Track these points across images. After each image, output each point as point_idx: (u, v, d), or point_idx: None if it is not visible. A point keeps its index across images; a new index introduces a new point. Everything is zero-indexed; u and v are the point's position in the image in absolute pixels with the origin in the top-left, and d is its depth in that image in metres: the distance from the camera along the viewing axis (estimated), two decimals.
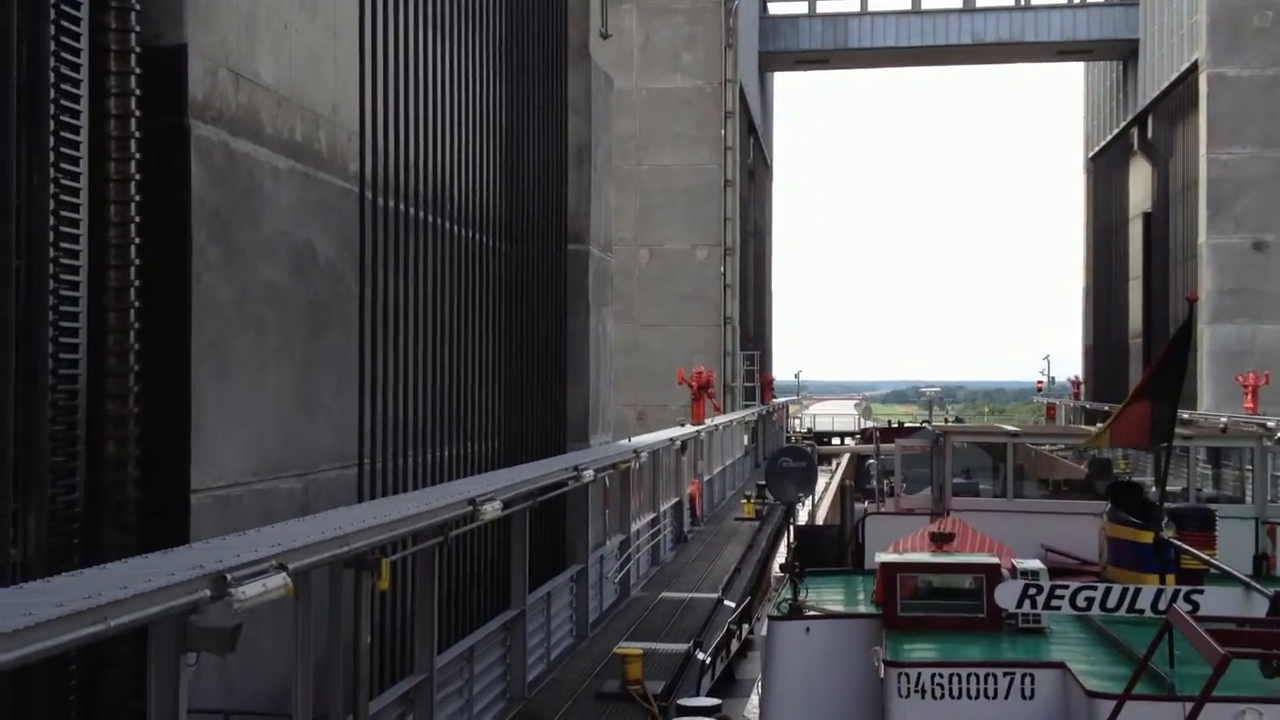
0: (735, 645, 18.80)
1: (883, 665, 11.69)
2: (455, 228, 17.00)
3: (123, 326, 9.50)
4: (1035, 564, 13.43)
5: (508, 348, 19.36)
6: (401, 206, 15.01)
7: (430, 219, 16.01)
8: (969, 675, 11.17)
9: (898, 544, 14.47)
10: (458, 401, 16.99)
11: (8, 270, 8.45)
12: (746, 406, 51.71)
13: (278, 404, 12.06)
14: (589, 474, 16.98)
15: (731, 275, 51.25)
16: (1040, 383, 78.39)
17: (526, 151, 20.55)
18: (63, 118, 9.14)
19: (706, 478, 34.67)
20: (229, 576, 7.20)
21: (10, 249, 8.48)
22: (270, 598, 7.55)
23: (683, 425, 32.67)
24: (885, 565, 13.31)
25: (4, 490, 8.35)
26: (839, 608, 14.81)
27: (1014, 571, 13.06)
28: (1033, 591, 11.73)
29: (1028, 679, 11.11)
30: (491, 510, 12.16)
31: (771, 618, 14.44)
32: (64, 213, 9.10)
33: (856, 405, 69.11)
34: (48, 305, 8.84)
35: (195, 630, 7.20)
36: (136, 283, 9.70)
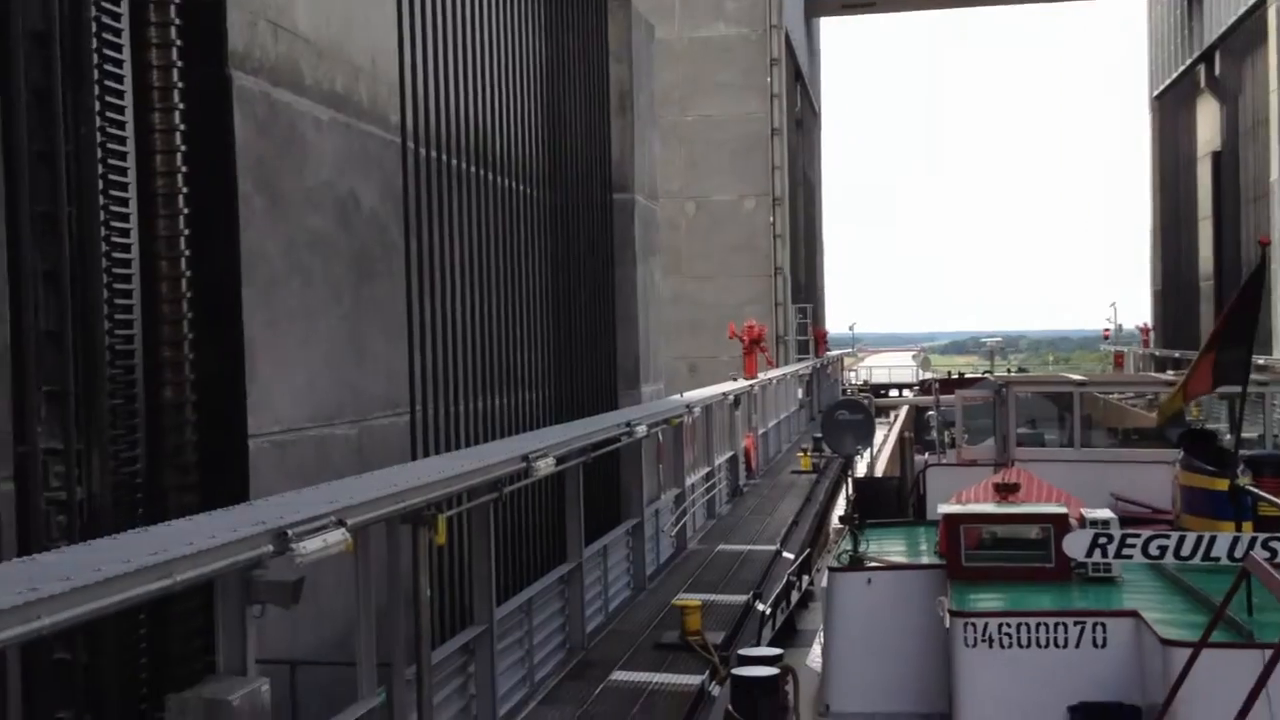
0: (795, 597, 18.77)
1: (948, 615, 11.62)
2: (498, 178, 16.95)
3: (174, 274, 9.58)
4: (1105, 513, 13.25)
5: (555, 298, 19.34)
6: (444, 157, 14.97)
7: (473, 170, 15.96)
8: (1038, 625, 11.07)
9: (960, 495, 14.35)
10: (507, 351, 17.01)
11: (59, 217, 8.53)
12: (800, 360, 51.47)
13: (329, 352, 12.18)
14: (641, 429, 16.96)
15: (781, 225, 50.74)
16: (1107, 330, 77.16)
17: (568, 101, 20.41)
18: (106, 67, 9.17)
19: (761, 431, 34.57)
20: (290, 532, 7.26)
21: (61, 196, 8.55)
22: (330, 553, 7.60)
23: (735, 379, 32.57)
24: (948, 516, 13.21)
25: (67, 431, 8.47)
26: (900, 559, 14.75)
27: (1083, 521, 12.91)
28: (1103, 541, 11.58)
29: (1099, 628, 10.97)
30: (545, 466, 12.17)
31: (832, 569, 14.38)
32: (112, 161, 9.16)
33: (914, 357, 68.59)
34: (100, 252, 8.92)
35: (259, 584, 7.28)
36: (186, 231, 9.75)
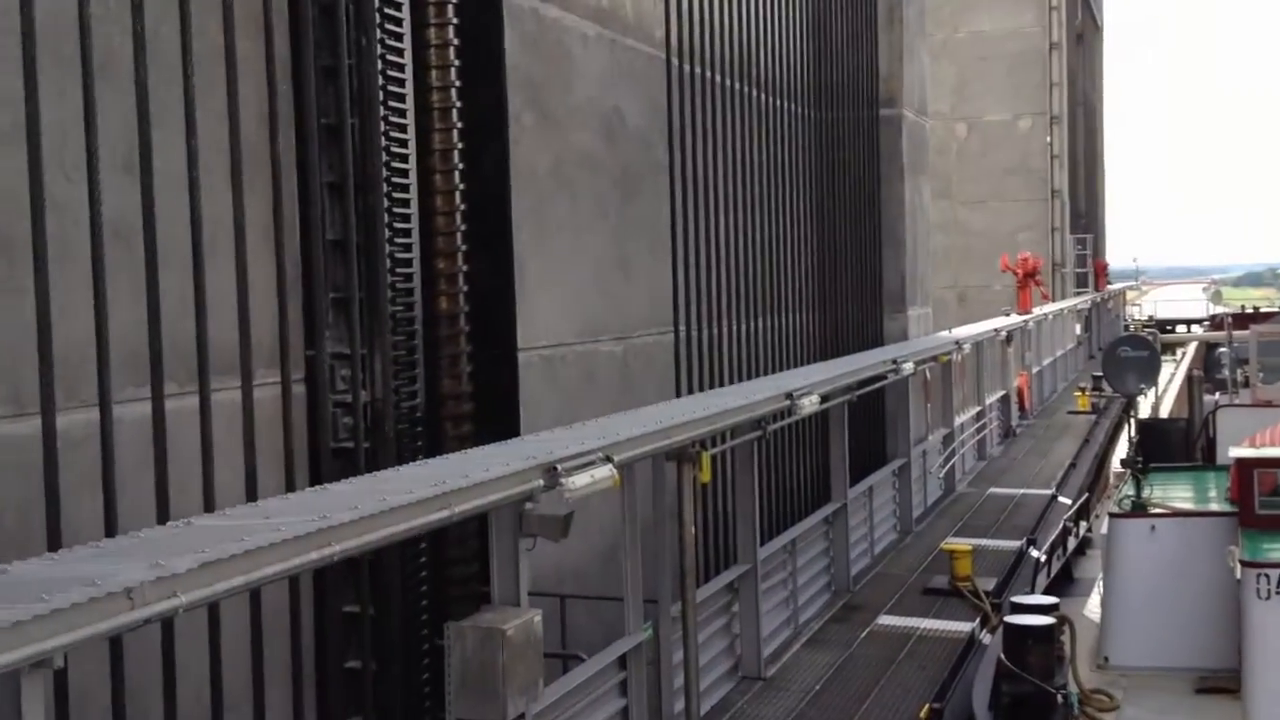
0: (1072, 543, 18.09)
1: (1239, 566, 10.96)
2: (763, 95, 16.68)
3: (449, 188, 9.77)
4: None
5: (820, 218, 18.96)
6: (708, 73, 14.77)
7: (737, 86, 15.71)
8: None
9: (1255, 438, 13.46)
10: (770, 273, 16.79)
11: (344, 127, 8.83)
12: (1078, 294, 49.22)
13: (594, 268, 12.33)
14: (909, 367, 16.56)
15: (1059, 146, 47.91)
16: None
17: (834, 13, 19.83)
18: None
19: (1035, 369, 33.32)
20: (559, 467, 7.42)
21: (345, 109, 8.84)
22: (598, 488, 7.74)
23: (1008, 314, 31.45)
24: (1241, 460, 12.39)
25: (352, 336, 8.86)
26: (1187, 505, 14.01)
27: None
28: None
29: None
30: (809, 404, 12.04)
31: (1113, 515, 13.77)
32: (391, 73, 9.38)
33: (1205, 289, 64.47)
34: (381, 162, 9.17)
35: (531, 517, 7.50)
36: (459, 146, 9.94)
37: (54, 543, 6.50)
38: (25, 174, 6.48)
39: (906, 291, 22.13)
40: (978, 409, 25.08)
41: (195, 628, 7.36)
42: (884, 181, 21.77)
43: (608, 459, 7.88)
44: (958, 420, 22.62)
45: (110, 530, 6.84)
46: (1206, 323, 56.26)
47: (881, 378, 15.90)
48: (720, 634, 11.48)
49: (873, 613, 14.07)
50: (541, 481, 7.31)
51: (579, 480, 7.46)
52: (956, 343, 20.69)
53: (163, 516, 7.15)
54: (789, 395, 11.61)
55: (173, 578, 4.85)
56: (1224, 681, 11.57)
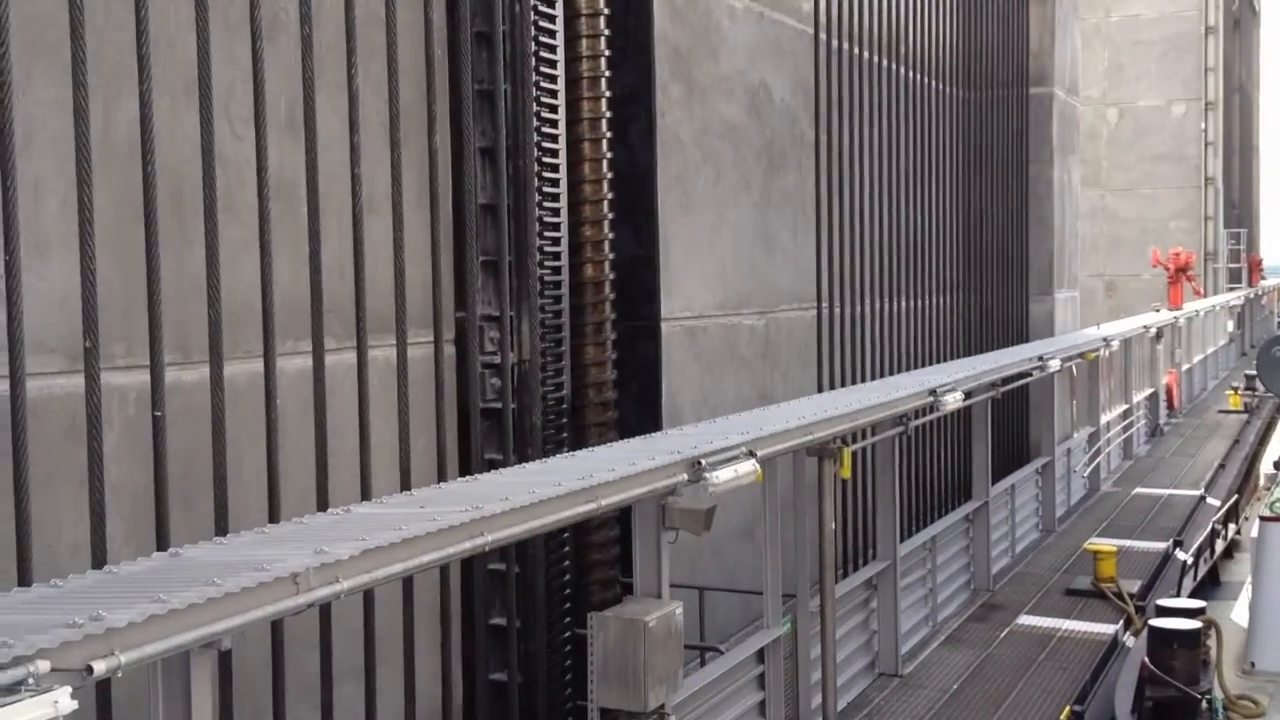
0: (1220, 546, 17.55)
1: None
2: (910, 73, 16.43)
3: (596, 155, 9.86)
4: None
5: (966, 198, 18.59)
6: (855, 49, 14.64)
7: (885, 63, 15.51)
8: None
9: None
10: (915, 252, 16.56)
11: (496, 94, 9.00)
12: (1230, 289, 47.54)
13: (737, 241, 12.34)
14: (1054, 364, 16.23)
15: (1213, 132, 46.22)
16: None
17: None
18: None
19: (1185, 367, 32.27)
20: (703, 461, 7.48)
21: (499, 74, 8.99)
22: (741, 483, 7.77)
23: (1158, 310, 30.55)
24: None
25: (501, 299, 9.03)
26: None
27: None
28: None
29: None
30: (953, 400, 11.90)
31: (1263, 518, 13.32)
32: (543, 39, 9.50)
33: None
34: (532, 127, 9.30)
35: (674, 511, 7.56)
36: (608, 114, 10.02)
37: (220, 488, 6.77)
38: (197, 130, 6.72)
39: (1054, 274, 21.62)
40: (1125, 407, 24.43)
41: (351, 615, 7.63)
42: (1032, 162, 21.28)
43: (751, 454, 7.92)
44: (1104, 418, 22.06)
45: (272, 476, 7.10)
46: None
47: (1026, 374, 15.61)
48: (858, 630, 11.44)
49: (1013, 612, 13.85)
50: (685, 476, 7.38)
51: (722, 474, 7.51)
52: (1104, 339, 20.17)
53: (321, 465, 7.40)
54: (932, 392, 11.49)
55: (336, 564, 5.03)
56: None
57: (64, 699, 3.63)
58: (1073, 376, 20.10)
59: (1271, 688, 11.29)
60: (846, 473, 10.29)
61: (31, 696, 3.56)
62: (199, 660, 4.66)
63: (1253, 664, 11.88)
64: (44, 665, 3.69)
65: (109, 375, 6.37)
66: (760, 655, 9.19)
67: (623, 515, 9.17)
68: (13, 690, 3.57)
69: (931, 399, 11.49)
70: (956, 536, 14.27)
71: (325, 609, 7.28)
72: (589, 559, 9.71)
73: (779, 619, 9.30)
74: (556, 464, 7.62)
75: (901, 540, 12.14)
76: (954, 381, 12.16)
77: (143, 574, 4.84)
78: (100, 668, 3.95)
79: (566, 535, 9.57)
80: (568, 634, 9.56)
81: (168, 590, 4.46)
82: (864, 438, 11.64)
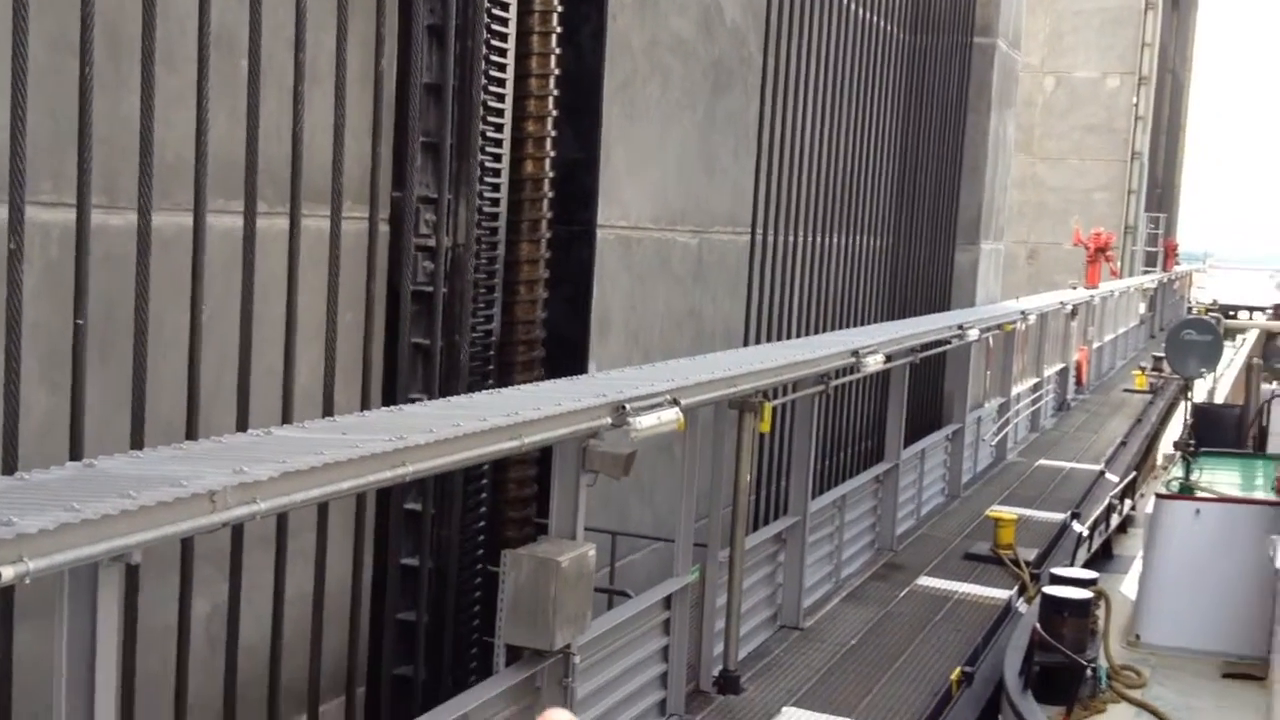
0: (1115, 520, 18.05)
1: (1279, 556, 10.94)
2: (860, 10, 16.37)
3: (545, 50, 9.79)
4: None
5: (904, 141, 18.65)
6: None
7: None
8: None
9: None
10: (850, 189, 16.63)
11: None
12: (1145, 272, 48.52)
13: (679, 157, 12.28)
14: (973, 333, 16.49)
15: (1144, 107, 46.84)
16: None
17: None
18: None
19: (1096, 345, 32.98)
20: (628, 406, 7.50)
21: None
22: (663, 430, 7.81)
23: (1075, 288, 31.10)
24: None
25: (440, 182, 8.94)
26: (1234, 491, 13.93)
27: None
28: None
29: None
30: (874, 362, 12.04)
31: (1159, 496, 13.72)
32: None
33: (1272, 278, 63.47)
34: (483, 8, 9.19)
35: (595, 454, 7.59)
36: (559, 8, 9.95)
37: (139, 340, 6.66)
38: None
39: (981, 225, 21.85)
40: (1035, 380, 24.93)
41: (264, 540, 7.56)
42: (970, 111, 21.39)
43: (674, 402, 7.95)
44: (1015, 390, 22.50)
45: (195, 335, 7.02)
46: (1270, 311, 55.38)
47: (945, 342, 15.85)
48: (764, 582, 11.60)
49: (914, 573, 14.15)
50: (609, 419, 7.39)
51: (645, 421, 7.53)
52: (1022, 312, 20.54)
53: (245, 328, 7.32)
54: (855, 353, 11.62)
55: (254, 484, 4.98)
56: (1251, 668, 11.59)
57: None
58: (988, 347, 20.44)
59: (1154, 660, 11.68)
60: (766, 427, 10.39)
61: None
62: (107, 573, 4.60)
63: (1138, 636, 12.27)
64: None
65: (33, 211, 6.18)
66: (667, 601, 9.29)
67: (542, 455, 9.17)
68: None
69: (853, 360, 11.63)
70: (865, 496, 14.50)
71: (238, 530, 7.21)
72: (506, 496, 9.71)
73: (688, 566, 9.39)
74: (481, 399, 7.60)
75: (813, 497, 12.30)
76: (876, 344, 12.31)
77: (55, 482, 4.76)
78: (8, 573, 3.89)
79: (485, 470, 9.55)
80: (479, 569, 9.57)
81: (80, 499, 4.39)
82: (785, 394, 11.74)
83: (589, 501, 7.87)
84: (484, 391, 8.65)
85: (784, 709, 10.06)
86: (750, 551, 10.77)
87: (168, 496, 4.62)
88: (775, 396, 11.11)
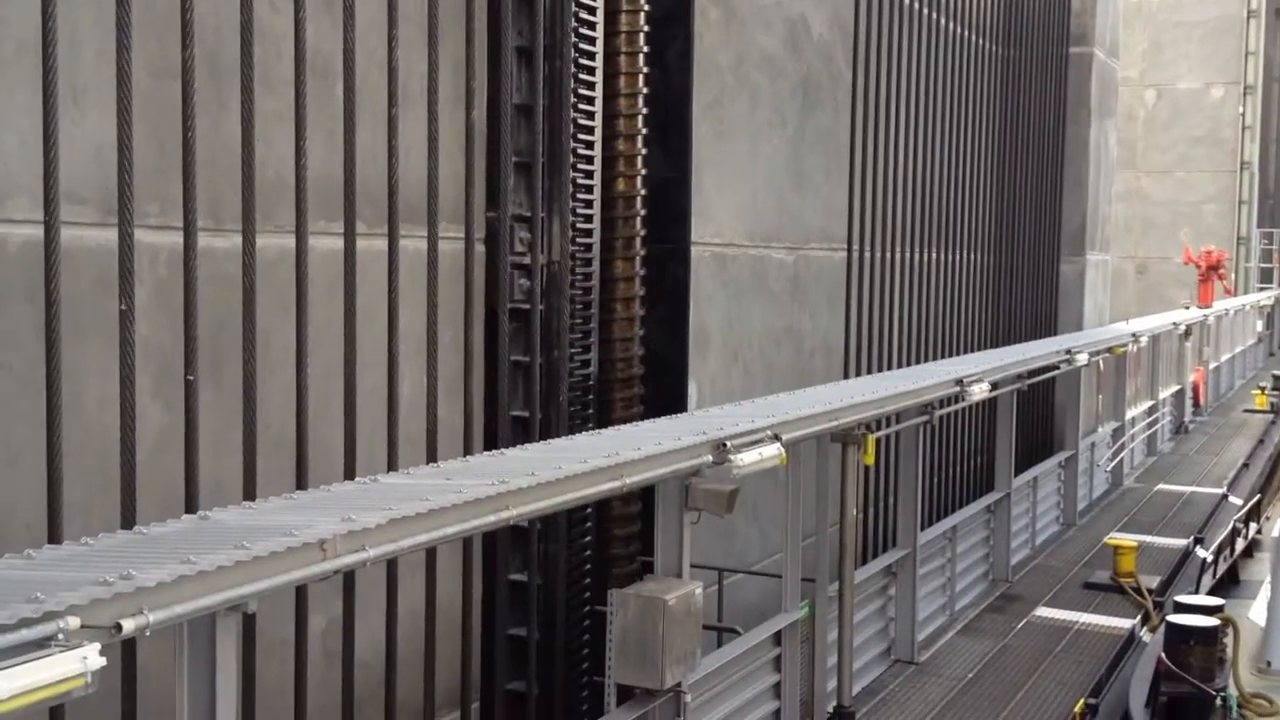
0: (1240, 544, 17.48)
1: None
2: (951, 24, 16.29)
3: (632, 70, 9.89)
4: None
5: (1001, 154, 18.38)
6: None
7: (926, 11, 15.44)
8: None
9: None
10: (947, 204, 16.44)
11: (536, 6, 9.07)
12: (1261, 289, 47.15)
13: (770, 174, 12.27)
14: (1082, 357, 16.15)
15: (1251, 116, 45.71)
16: None
17: None
18: None
19: (1213, 365, 32.07)
20: (729, 444, 7.48)
21: None
22: (765, 466, 7.78)
23: (1188, 307, 30.35)
24: None
25: (533, 200, 9.07)
26: None
27: None
28: None
29: None
30: (979, 391, 11.87)
31: None
32: None
33: None
34: (570, 29, 9.34)
35: (698, 491, 7.58)
36: (645, 29, 10.04)
37: (248, 356, 6.84)
38: (237, 1, 6.78)
39: (1086, 236, 21.45)
40: (1150, 403, 24.29)
41: (375, 584, 7.70)
42: (1070, 122, 21.06)
43: (775, 437, 7.92)
44: (1129, 413, 21.96)
45: (300, 351, 7.19)
46: None
47: (1054, 367, 15.54)
48: (875, 616, 11.44)
49: (1031, 604, 13.83)
50: (710, 457, 7.38)
51: (746, 457, 7.52)
52: (1133, 335, 20.06)
53: (349, 345, 7.49)
54: (959, 381, 11.46)
55: (363, 532, 5.08)
56: None
57: (93, 655, 3.67)
58: (1099, 371, 20.00)
59: None
60: (870, 459, 10.28)
61: (61, 652, 3.61)
62: (224, 622, 4.70)
63: (1269, 663, 11.85)
64: (74, 621, 3.73)
65: (141, 234, 6.40)
66: (777, 638, 9.21)
67: (645, 493, 9.20)
68: (43, 645, 3.61)
69: (958, 389, 11.47)
70: (977, 527, 14.24)
71: (349, 576, 7.34)
72: (610, 534, 9.74)
73: (797, 602, 9.32)
74: (582, 441, 7.64)
75: (922, 529, 12.13)
76: (981, 372, 12.13)
77: (172, 535, 4.89)
78: (129, 626, 3.99)
79: (589, 511, 9.61)
80: (587, 609, 9.60)
81: (196, 552, 4.50)
82: (889, 425, 11.63)
83: (695, 535, 7.87)
84: (584, 433, 8.70)
85: None
86: (860, 585, 10.64)
87: (280, 547, 4.71)
88: (879, 428, 11.01)
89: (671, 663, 7.35)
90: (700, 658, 7.78)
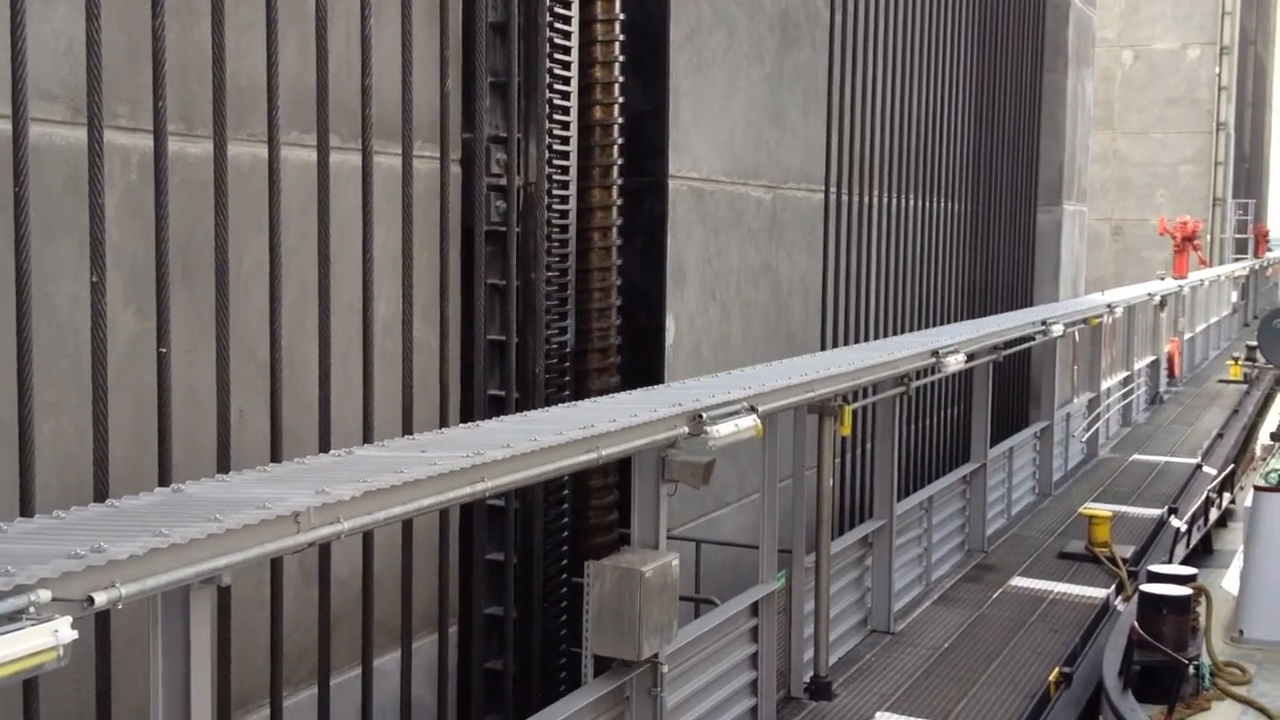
0: (1214, 514, 17.62)
1: None
2: None
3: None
4: None
5: (979, 101, 18.34)
6: None
7: None
8: None
9: None
10: (925, 150, 16.40)
11: None
12: (1236, 259, 47.40)
13: (748, 110, 12.15)
14: (1058, 328, 16.21)
15: (1227, 77, 45.80)
16: None
17: None
18: None
19: (1187, 336, 32.26)
20: (705, 415, 7.49)
21: None
22: (741, 437, 7.79)
23: (1163, 278, 30.50)
24: None
25: (510, 121, 8.96)
26: None
27: None
28: None
29: None
30: (954, 362, 11.90)
31: (1258, 488, 13.35)
32: None
33: None
34: None
35: (674, 463, 7.58)
36: None
37: (221, 267, 6.73)
38: None
39: (1063, 185, 21.44)
40: (1125, 373, 24.45)
41: (351, 555, 7.68)
42: (1047, 69, 20.99)
43: (752, 409, 7.93)
44: (1104, 384, 22.09)
45: (274, 262, 7.08)
46: None
47: (1029, 338, 15.61)
48: (852, 587, 11.50)
49: (1006, 574, 13.93)
50: (686, 429, 7.38)
51: (723, 429, 7.52)
52: (1108, 305, 20.15)
53: (323, 261, 7.39)
54: (935, 353, 11.50)
55: (337, 504, 5.06)
56: None
57: (64, 629, 3.66)
58: (1075, 341, 20.10)
59: (1259, 656, 11.37)
60: (847, 430, 10.31)
61: (32, 625, 3.59)
62: (198, 595, 4.69)
63: (1241, 632, 11.97)
64: (45, 595, 3.71)
65: (112, 134, 6.28)
66: (754, 609, 9.25)
67: (622, 465, 9.20)
68: (14, 619, 3.59)
69: (934, 360, 11.50)
70: (953, 497, 14.32)
71: (324, 548, 7.33)
72: (587, 505, 9.75)
73: (774, 573, 9.35)
74: (557, 413, 7.64)
75: (899, 500, 12.18)
76: (956, 343, 12.16)
77: (144, 508, 4.86)
78: (101, 599, 3.97)
79: (565, 481, 9.61)
80: (564, 578, 9.62)
81: (169, 525, 4.48)
82: (865, 396, 11.65)
83: (671, 505, 7.88)
84: (559, 405, 8.69)
85: (878, 714, 9.95)
86: (837, 556, 10.69)
87: (254, 519, 4.70)
88: (855, 399, 11.03)
89: (648, 634, 7.37)
90: (677, 629, 7.80)
